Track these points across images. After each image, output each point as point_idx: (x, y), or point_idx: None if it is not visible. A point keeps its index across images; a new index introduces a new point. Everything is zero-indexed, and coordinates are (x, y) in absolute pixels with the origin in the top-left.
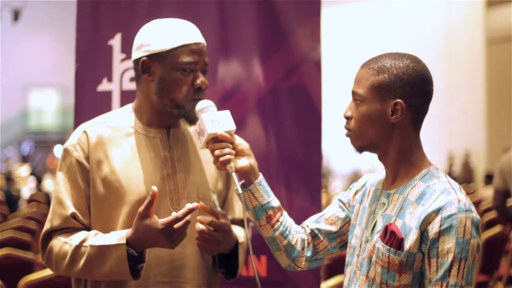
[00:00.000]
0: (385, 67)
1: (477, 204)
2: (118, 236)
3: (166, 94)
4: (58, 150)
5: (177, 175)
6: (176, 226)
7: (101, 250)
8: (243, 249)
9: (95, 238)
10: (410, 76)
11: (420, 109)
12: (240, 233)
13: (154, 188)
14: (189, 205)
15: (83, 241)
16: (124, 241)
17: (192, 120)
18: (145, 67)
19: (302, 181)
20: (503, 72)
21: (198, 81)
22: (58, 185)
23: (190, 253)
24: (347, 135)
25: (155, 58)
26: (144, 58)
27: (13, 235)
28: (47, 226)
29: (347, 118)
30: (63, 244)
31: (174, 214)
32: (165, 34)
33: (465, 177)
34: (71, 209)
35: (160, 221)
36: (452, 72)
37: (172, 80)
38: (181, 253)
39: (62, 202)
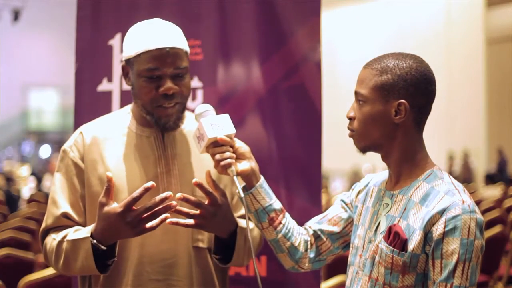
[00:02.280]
0: (388, 68)
1: (477, 204)
2: (87, 230)
3: (137, 99)
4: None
5: (171, 174)
6: (134, 207)
7: (74, 245)
8: (244, 235)
9: (74, 234)
10: (414, 77)
11: (423, 109)
12: (244, 222)
13: (109, 174)
14: (146, 185)
15: (65, 236)
16: (89, 235)
17: (163, 126)
18: (125, 72)
19: (302, 181)
20: (503, 72)
21: (162, 88)
22: (54, 185)
23: (183, 251)
24: (350, 136)
25: (128, 63)
26: (123, 63)
27: (13, 235)
28: (43, 225)
29: (350, 118)
30: (52, 240)
31: (132, 195)
32: (132, 40)
33: (465, 177)
34: (63, 208)
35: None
36: (452, 72)
37: (138, 87)
38: (174, 251)
39: (55, 202)
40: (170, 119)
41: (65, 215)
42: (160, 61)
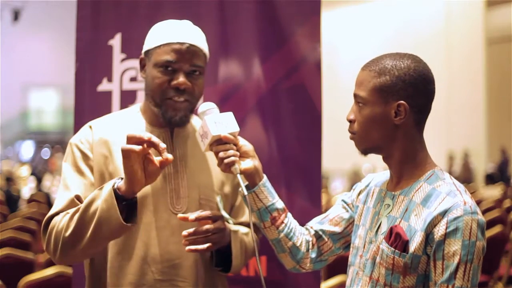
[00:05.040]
0: (386, 69)
1: (477, 204)
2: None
3: (148, 91)
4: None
5: (178, 175)
6: None
7: (94, 194)
8: (238, 239)
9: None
10: (412, 77)
11: (423, 109)
12: (235, 227)
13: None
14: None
15: (80, 206)
16: (116, 179)
17: (169, 120)
18: (142, 64)
19: (302, 181)
20: (503, 72)
21: (175, 82)
22: (63, 173)
23: (188, 252)
24: (351, 138)
25: (146, 55)
26: (142, 55)
27: (13, 235)
28: (51, 211)
29: (350, 121)
30: (64, 215)
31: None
32: (155, 33)
33: (465, 177)
34: (75, 191)
35: None
36: (452, 72)
37: (151, 77)
38: (179, 252)
39: (67, 186)
40: (177, 114)
41: (78, 198)
42: (179, 55)
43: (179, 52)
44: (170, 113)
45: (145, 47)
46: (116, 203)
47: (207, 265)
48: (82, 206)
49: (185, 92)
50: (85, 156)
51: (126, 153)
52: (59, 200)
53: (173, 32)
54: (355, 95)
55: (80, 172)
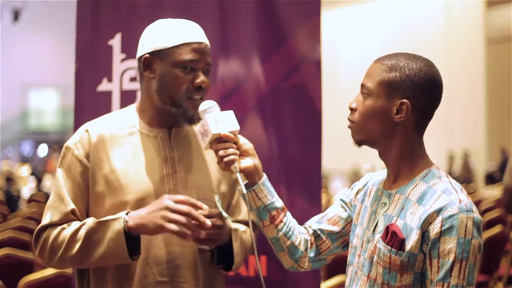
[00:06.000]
0: (398, 66)
1: (477, 204)
2: (120, 213)
3: (166, 91)
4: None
5: (177, 175)
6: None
7: (100, 225)
8: (238, 237)
9: (97, 219)
10: (421, 79)
11: (426, 113)
12: (235, 226)
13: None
14: (201, 205)
15: (83, 224)
16: (124, 214)
17: (191, 119)
18: (147, 63)
19: (302, 181)
20: (503, 72)
21: (198, 80)
22: (58, 181)
23: (189, 252)
24: (349, 127)
25: (156, 55)
26: (146, 55)
27: (13, 235)
28: (45, 221)
29: (351, 109)
30: (62, 230)
31: (185, 197)
32: (168, 32)
33: (465, 177)
34: (71, 205)
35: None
36: (452, 72)
37: (171, 78)
38: (180, 253)
39: (62, 198)
40: (196, 112)
41: (74, 212)
42: (199, 54)
43: (198, 51)
44: (191, 111)
45: (154, 46)
46: (125, 242)
47: (207, 265)
48: (84, 231)
49: (204, 90)
50: (81, 165)
51: (160, 229)
52: (54, 212)
53: (188, 32)
54: (362, 85)
55: (75, 181)
